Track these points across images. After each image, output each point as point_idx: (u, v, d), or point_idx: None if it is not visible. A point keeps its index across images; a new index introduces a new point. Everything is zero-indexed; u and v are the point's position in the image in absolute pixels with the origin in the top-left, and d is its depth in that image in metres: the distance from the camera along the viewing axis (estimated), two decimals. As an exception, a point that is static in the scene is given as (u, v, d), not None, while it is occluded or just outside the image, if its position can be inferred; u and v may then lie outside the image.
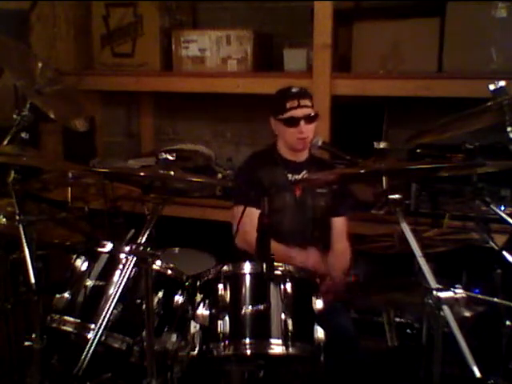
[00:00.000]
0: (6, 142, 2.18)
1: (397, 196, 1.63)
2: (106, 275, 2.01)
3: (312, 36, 3.01)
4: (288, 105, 2.35)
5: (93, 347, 1.65)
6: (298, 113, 2.35)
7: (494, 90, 1.85)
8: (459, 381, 1.64)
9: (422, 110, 3.13)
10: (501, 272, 2.14)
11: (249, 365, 1.87)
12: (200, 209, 3.23)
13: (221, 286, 1.84)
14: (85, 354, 1.64)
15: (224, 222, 2.78)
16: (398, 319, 2.47)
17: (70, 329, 1.95)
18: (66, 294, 2.00)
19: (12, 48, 2.38)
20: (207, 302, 1.87)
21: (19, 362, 2.38)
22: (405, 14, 2.98)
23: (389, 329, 2.02)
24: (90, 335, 1.80)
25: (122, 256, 1.99)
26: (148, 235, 1.77)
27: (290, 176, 2.47)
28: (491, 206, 2.08)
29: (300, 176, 2.47)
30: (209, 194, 3.17)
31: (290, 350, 1.75)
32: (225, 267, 1.90)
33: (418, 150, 2.83)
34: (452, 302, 1.44)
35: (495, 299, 2.06)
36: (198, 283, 1.98)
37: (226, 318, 1.80)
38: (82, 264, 2.04)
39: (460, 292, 1.46)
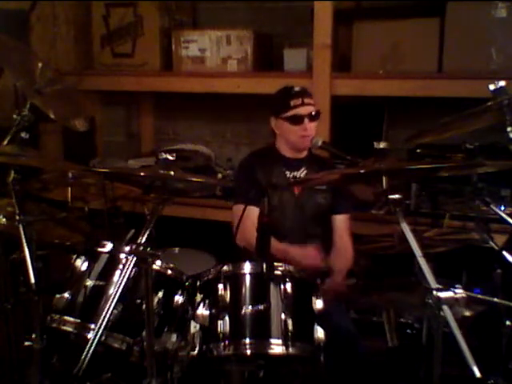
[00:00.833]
0: (5, 142, 2.18)
1: (397, 196, 1.63)
2: (106, 275, 2.01)
3: (312, 36, 3.01)
4: (292, 103, 2.37)
5: (93, 347, 1.65)
6: (302, 111, 2.37)
7: (494, 89, 1.85)
8: (459, 381, 1.64)
9: (421, 110, 3.13)
10: (501, 272, 2.14)
11: (249, 365, 1.87)
12: (200, 209, 3.23)
13: (221, 286, 1.84)
14: (85, 354, 1.64)
15: (224, 221, 2.78)
16: (398, 319, 2.46)
17: (70, 329, 1.95)
18: (66, 294, 2.00)
19: (12, 48, 2.38)
20: (207, 302, 1.87)
21: (19, 362, 2.38)
22: (405, 14, 2.99)
23: (389, 329, 2.02)
24: (90, 335, 1.80)
25: (122, 256, 1.99)
26: (148, 235, 1.77)
27: (288, 173, 2.47)
28: (491, 206, 2.08)
29: (299, 173, 2.48)
30: (209, 194, 3.17)
31: (290, 350, 1.76)
32: (225, 267, 1.90)
33: (418, 150, 2.83)
34: (452, 302, 1.44)
35: (495, 299, 2.06)
36: (198, 283, 1.98)
37: (226, 318, 1.80)
38: (82, 264, 2.04)
39: (460, 292, 1.46)
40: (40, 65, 2.34)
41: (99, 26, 3.61)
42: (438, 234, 2.36)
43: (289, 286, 1.82)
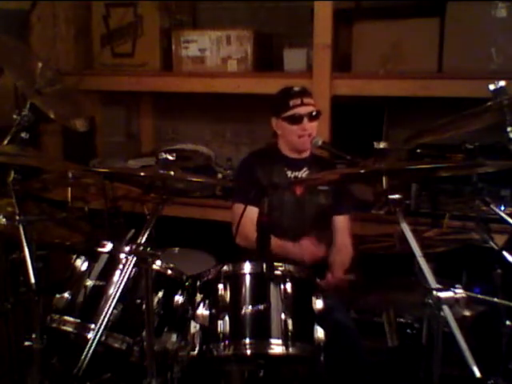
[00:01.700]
0: (5, 142, 2.18)
1: (397, 196, 1.63)
2: (106, 275, 2.01)
3: (312, 36, 3.01)
4: (291, 103, 2.38)
5: (93, 347, 1.65)
6: (302, 110, 2.38)
7: (494, 89, 1.85)
8: (459, 381, 1.63)
9: (421, 110, 3.13)
10: (501, 272, 2.14)
11: (249, 365, 1.87)
12: (200, 209, 3.23)
13: (221, 286, 1.84)
14: (85, 354, 1.64)
15: (224, 221, 2.78)
16: (398, 319, 2.46)
17: (70, 329, 1.95)
18: (66, 294, 2.00)
19: (12, 48, 2.38)
20: (207, 302, 1.87)
21: (19, 362, 2.38)
22: (405, 14, 2.98)
23: (389, 329, 2.01)
24: (90, 335, 1.81)
25: (122, 256, 1.99)
26: (148, 235, 1.77)
27: (289, 173, 2.48)
28: (491, 206, 2.08)
29: (301, 173, 2.48)
30: (209, 194, 3.17)
31: (290, 350, 1.76)
32: (225, 267, 1.90)
33: (418, 150, 2.83)
34: (452, 302, 1.44)
35: (495, 299, 2.06)
36: (198, 283, 1.98)
37: (226, 318, 1.80)
38: (82, 264, 2.04)
39: (460, 292, 1.46)
40: (40, 65, 2.34)
41: (99, 25, 3.61)
42: (438, 234, 2.36)
43: (289, 286, 1.82)
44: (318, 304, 1.85)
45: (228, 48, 3.35)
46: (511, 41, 2.77)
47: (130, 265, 1.74)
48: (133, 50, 3.55)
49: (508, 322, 2.14)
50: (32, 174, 2.51)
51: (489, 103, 1.85)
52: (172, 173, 1.82)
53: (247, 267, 1.87)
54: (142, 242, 1.75)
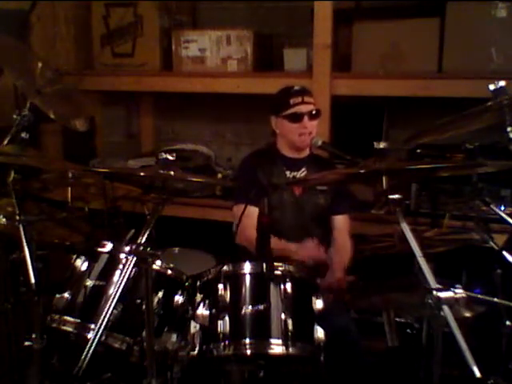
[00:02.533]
0: (5, 142, 2.18)
1: (397, 196, 1.63)
2: (106, 275, 2.01)
3: (312, 36, 3.01)
4: (292, 101, 2.39)
5: (93, 347, 1.65)
6: (302, 109, 2.38)
7: (494, 89, 1.85)
8: (459, 381, 1.63)
9: (421, 110, 3.13)
10: (501, 272, 2.14)
11: (249, 365, 1.87)
12: (200, 209, 3.23)
13: (221, 286, 1.84)
14: (85, 354, 1.64)
15: (224, 221, 2.78)
16: (398, 319, 2.46)
17: (70, 329, 1.95)
18: (66, 294, 2.00)
19: (12, 48, 2.38)
20: (207, 302, 1.87)
21: (19, 362, 2.38)
22: (405, 14, 2.99)
23: (389, 329, 2.01)
24: (90, 335, 1.81)
25: (122, 256, 1.99)
26: (148, 235, 1.77)
27: (288, 173, 2.48)
28: (491, 206, 2.08)
29: (299, 173, 2.48)
30: (209, 194, 3.17)
31: (290, 350, 1.76)
32: (225, 267, 1.90)
33: (418, 150, 2.83)
34: (452, 302, 1.44)
35: (495, 299, 2.06)
36: (198, 283, 1.98)
37: (226, 318, 1.80)
38: (82, 264, 2.04)
39: (460, 292, 1.46)
40: (40, 65, 2.34)
41: (99, 26, 3.61)
42: (438, 234, 2.36)
43: (289, 286, 1.82)
44: (318, 304, 1.85)
45: (228, 48, 3.35)
46: (511, 41, 2.77)
47: (129, 265, 1.74)
48: (133, 50, 3.55)
49: (508, 322, 2.14)
50: (32, 174, 2.51)
51: (489, 103, 1.85)
52: (172, 173, 1.82)
53: (247, 267, 1.87)
54: (142, 242, 1.75)
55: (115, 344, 1.92)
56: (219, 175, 3.41)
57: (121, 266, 1.96)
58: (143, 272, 1.75)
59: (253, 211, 2.01)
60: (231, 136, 3.87)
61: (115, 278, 1.97)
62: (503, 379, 2.16)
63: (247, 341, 1.77)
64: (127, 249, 1.98)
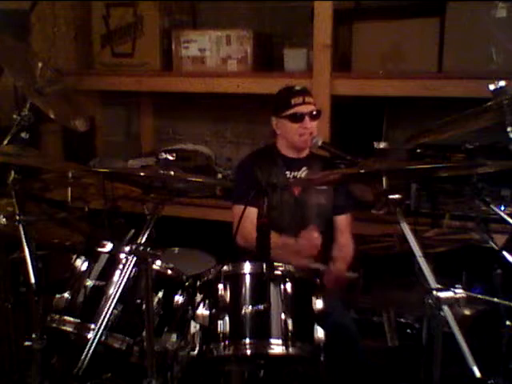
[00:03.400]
0: (5, 142, 2.18)
1: (397, 196, 1.63)
2: (106, 275, 2.01)
3: (312, 36, 3.01)
4: (293, 101, 2.39)
5: (93, 347, 1.65)
6: (303, 109, 2.39)
7: (494, 89, 1.85)
8: (459, 381, 1.63)
9: (422, 110, 3.13)
10: (501, 272, 2.14)
11: (249, 365, 1.87)
12: (200, 209, 3.23)
13: (221, 286, 1.84)
14: (85, 354, 1.64)
15: (224, 221, 2.78)
16: (398, 319, 2.46)
17: (69, 329, 1.95)
18: (66, 294, 2.00)
19: (12, 48, 2.38)
20: (207, 302, 1.87)
21: (19, 362, 2.38)
22: (405, 14, 2.98)
23: (389, 329, 2.02)
24: (90, 335, 1.80)
25: (122, 256, 1.99)
26: (148, 235, 1.77)
27: (288, 173, 2.48)
28: (491, 206, 2.08)
29: (299, 173, 2.48)
30: (209, 194, 3.17)
31: (290, 350, 1.76)
32: (225, 267, 1.90)
33: (418, 150, 2.83)
34: (452, 302, 1.44)
35: (495, 299, 2.06)
36: (198, 283, 1.98)
37: (226, 318, 1.80)
38: (82, 264, 2.04)
39: (460, 292, 1.46)
40: (40, 65, 2.34)
41: (99, 25, 3.61)
42: (438, 234, 2.36)
43: (289, 286, 1.82)
44: (318, 304, 1.85)
45: (228, 48, 3.35)
46: (511, 41, 2.77)
47: (129, 265, 1.74)
48: (133, 50, 3.55)
49: (508, 322, 2.14)
50: (32, 174, 2.51)
51: (489, 103, 1.85)
52: (172, 173, 1.82)
53: (247, 267, 1.87)
54: (142, 242, 1.75)
55: (115, 344, 1.92)
56: (219, 175, 3.41)
57: (121, 266, 1.96)
58: (143, 272, 1.75)
59: (252, 212, 2.01)
60: (231, 136, 3.87)
61: (115, 278, 1.97)
62: (503, 379, 2.16)
63: (247, 341, 1.77)
64: (127, 249, 1.98)
